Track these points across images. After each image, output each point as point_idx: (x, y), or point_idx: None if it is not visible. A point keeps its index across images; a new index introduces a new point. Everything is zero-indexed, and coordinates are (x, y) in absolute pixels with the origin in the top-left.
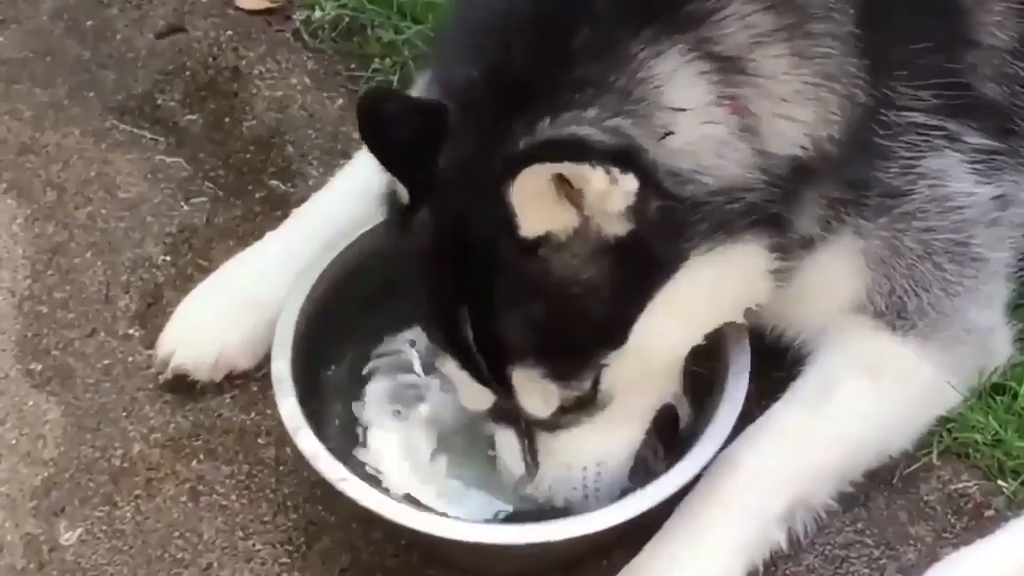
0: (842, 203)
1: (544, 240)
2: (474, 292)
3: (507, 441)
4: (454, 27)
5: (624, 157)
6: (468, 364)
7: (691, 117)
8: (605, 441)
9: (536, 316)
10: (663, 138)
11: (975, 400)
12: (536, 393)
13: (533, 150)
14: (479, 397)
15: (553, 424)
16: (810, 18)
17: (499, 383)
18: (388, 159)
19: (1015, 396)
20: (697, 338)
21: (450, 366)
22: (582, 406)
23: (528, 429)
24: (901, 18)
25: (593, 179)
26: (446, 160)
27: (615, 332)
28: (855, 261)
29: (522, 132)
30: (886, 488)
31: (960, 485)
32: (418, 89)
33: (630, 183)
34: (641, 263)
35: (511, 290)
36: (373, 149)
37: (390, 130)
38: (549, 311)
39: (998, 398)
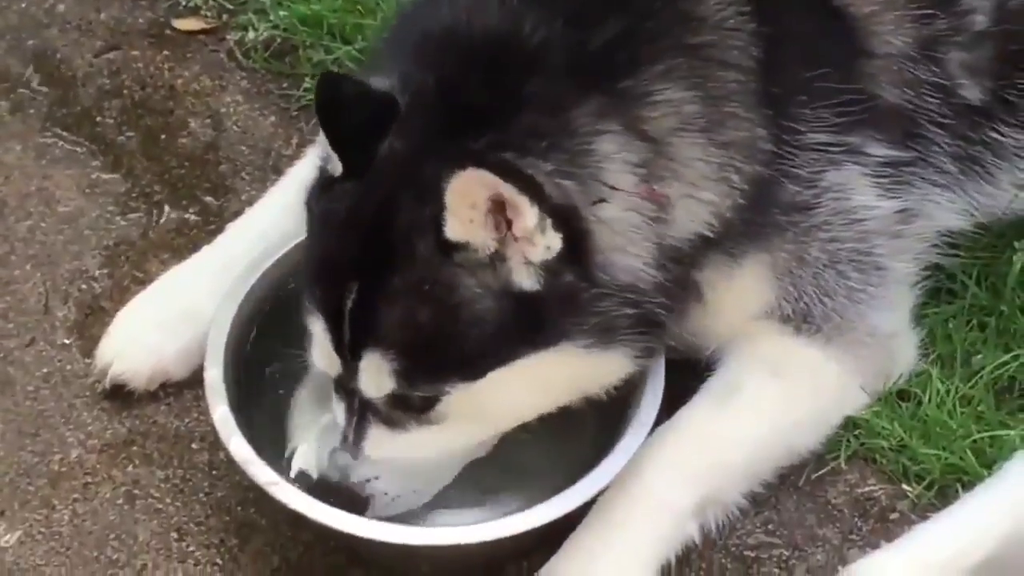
0: (746, 236)
1: (462, 250)
2: (370, 271)
3: (337, 412)
4: (407, 30)
5: (563, 216)
6: (334, 330)
7: (619, 199)
8: (423, 458)
9: (418, 318)
10: (595, 203)
11: (881, 407)
12: (376, 379)
13: (487, 157)
14: (331, 362)
15: (387, 417)
16: (726, 99)
17: (351, 358)
18: (334, 135)
19: (919, 403)
20: (533, 414)
21: (317, 326)
22: (412, 411)
23: (362, 411)
24: (798, 47)
25: (527, 216)
26: (388, 147)
27: (474, 368)
28: (764, 273)
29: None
30: (795, 491)
31: (866, 489)
32: None
33: (555, 242)
34: (529, 322)
35: (408, 284)
36: (324, 125)
37: (343, 110)
38: (433, 319)
39: (903, 405)
